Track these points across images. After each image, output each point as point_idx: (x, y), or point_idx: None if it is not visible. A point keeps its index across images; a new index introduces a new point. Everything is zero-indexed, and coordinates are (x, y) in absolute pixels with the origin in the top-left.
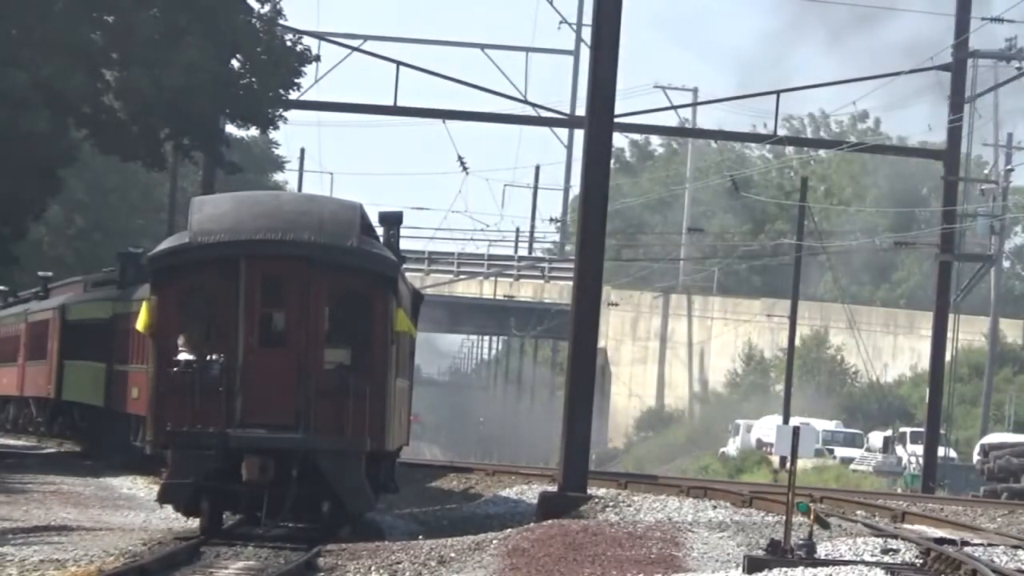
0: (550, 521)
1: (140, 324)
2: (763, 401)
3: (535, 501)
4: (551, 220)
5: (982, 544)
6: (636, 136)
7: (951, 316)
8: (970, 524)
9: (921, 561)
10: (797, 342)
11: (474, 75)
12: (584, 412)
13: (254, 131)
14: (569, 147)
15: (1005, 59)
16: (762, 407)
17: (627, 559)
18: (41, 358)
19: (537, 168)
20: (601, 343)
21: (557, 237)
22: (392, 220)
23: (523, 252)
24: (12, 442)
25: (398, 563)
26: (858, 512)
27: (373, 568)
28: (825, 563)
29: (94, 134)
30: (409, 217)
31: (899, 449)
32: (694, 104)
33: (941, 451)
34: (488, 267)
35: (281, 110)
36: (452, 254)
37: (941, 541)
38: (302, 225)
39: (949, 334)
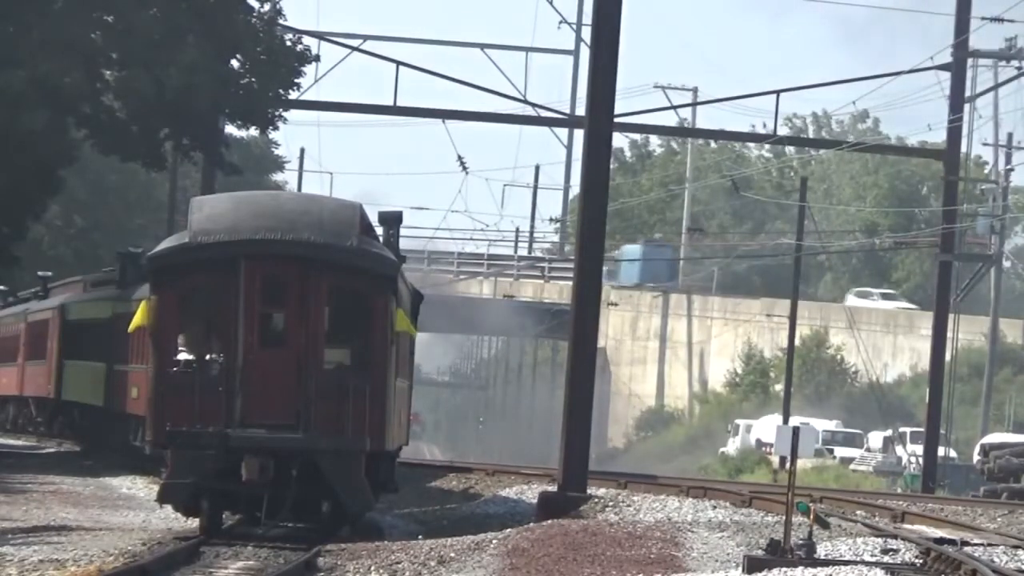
0: (550, 521)
1: (131, 325)
2: (763, 401)
3: (535, 501)
4: (551, 220)
5: (982, 544)
6: (635, 136)
7: (951, 316)
8: (970, 524)
9: (921, 561)
10: (797, 342)
11: (474, 75)
12: (584, 412)
13: (254, 131)
14: (569, 147)
15: (1005, 59)
16: (762, 407)
17: (627, 559)
18: (41, 358)
19: (537, 168)
20: (601, 343)
21: (557, 237)
22: (392, 220)
23: (523, 252)
24: (12, 442)
25: (398, 563)
26: (858, 512)
27: (373, 568)
28: (825, 563)
29: (94, 134)
30: (409, 217)
31: (899, 449)
32: (694, 104)
33: (941, 451)
34: (488, 267)
35: (281, 110)
36: (452, 254)
37: (941, 541)
38: (302, 225)
39: (949, 334)
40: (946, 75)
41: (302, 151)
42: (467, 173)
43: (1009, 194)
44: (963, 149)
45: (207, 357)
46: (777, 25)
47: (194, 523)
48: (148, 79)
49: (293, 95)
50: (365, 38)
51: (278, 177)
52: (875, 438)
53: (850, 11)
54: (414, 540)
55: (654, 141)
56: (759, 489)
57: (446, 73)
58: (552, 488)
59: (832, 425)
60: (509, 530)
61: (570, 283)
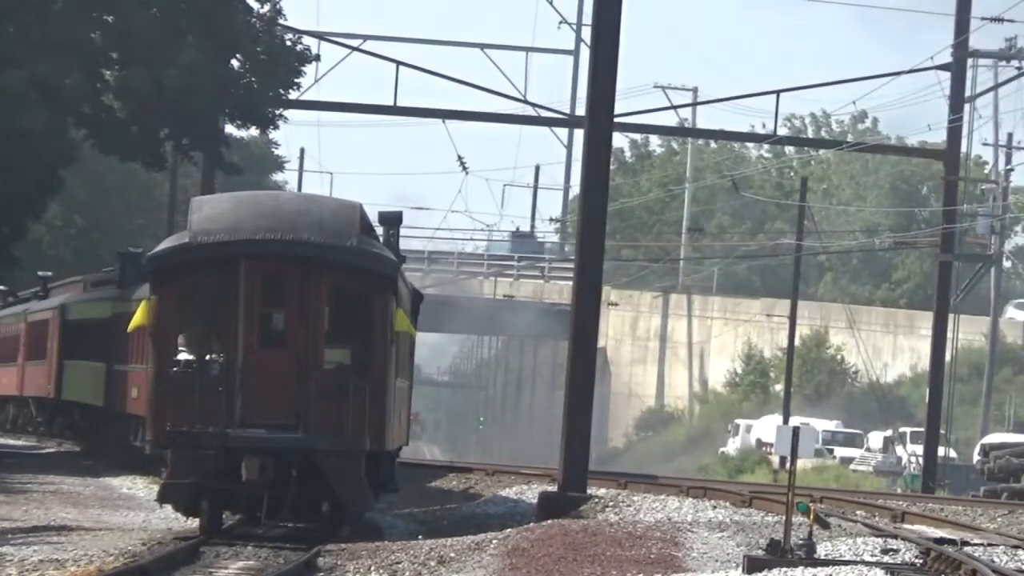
0: (550, 521)
1: (130, 324)
2: (763, 401)
3: (535, 501)
4: (551, 220)
5: (982, 544)
6: (635, 136)
7: (951, 316)
8: (970, 524)
9: (921, 561)
10: (797, 342)
11: (474, 75)
12: (584, 412)
13: (254, 131)
14: (569, 147)
15: (1005, 59)
16: (762, 407)
17: (627, 559)
18: (41, 358)
19: (537, 168)
20: (601, 343)
21: (557, 237)
22: (392, 220)
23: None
24: (12, 442)
25: (398, 563)
26: (858, 512)
27: (373, 568)
28: (825, 563)
29: (94, 134)
30: (409, 217)
31: (899, 449)
32: (694, 104)
33: (941, 451)
34: (488, 267)
35: (281, 110)
36: (452, 254)
37: (941, 541)
38: (302, 225)
39: (949, 334)
40: (946, 75)
41: (302, 151)
42: (467, 173)
43: (1009, 194)
44: (963, 149)
45: (207, 357)
46: (779, 23)
47: (194, 523)
48: (148, 79)
49: (293, 95)
50: (365, 38)
51: (278, 177)
52: (875, 438)
53: (853, 10)
54: (414, 540)
55: (654, 141)
56: (759, 489)
57: (446, 73)
58: (552, 488)
59: (832, 425)
60: (509, 530)
61: (570, 283)
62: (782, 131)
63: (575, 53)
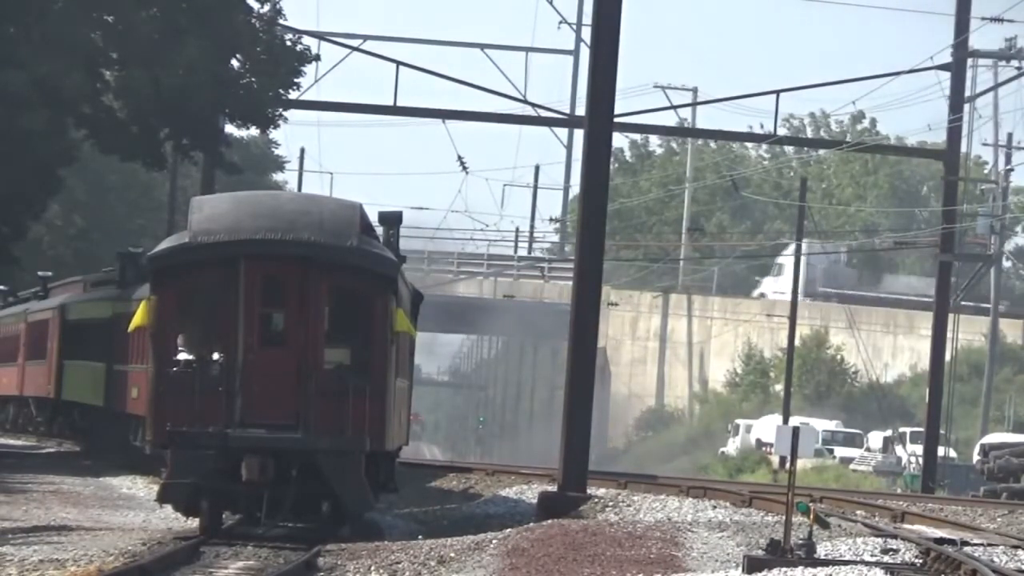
0: (550, 521)
1: (130, 324)
2: (763, 401)
3: (535, 501)
4: (551, 220)
5: (982, 544)
6: (635, 136)
7: (951, 316)
8: (970, 524)
9: (921, 561)
10: (797, 342)
11: (474, 75)
12: (584, 412)
13: (254, 131)
14: (569, 147)
15: (1005, 59)
16: (762, 407)
17: (627, 559)
18: (41, 358)
19: (537, 168)
20: (601, 343)
21: (557, 237)
22: (392, 220)
23: (523, 252)
24: (12, 442)
25: (398, 563)
26: (858, 512)
27: (373, 568)
28: (825, 563)
29: (94, 134)
30: (409, 217)
31: (899, 449)
32: (694, 104)
33: (941, 451)
34: (488, 267)
35: (281, 110)
36: (452, 254)
37: (941, 541)
38: (302, 225)
39: (949, 334)
40: (946, 75)
41: (302, 151)
42: (467, 173)
43: (1009, 194)
44: (963, 149)
45: (207, 357)
46: (779, 23)
47: (194, 523)
48: (148, 79)
49: (293, 95)
50: (365, 38)
51: (278, 177)
52: (875, 438)
53: (853, 9)
54: (414, 540)
55: (654, 141)
56: (759, 489)
57: (446, 73)
58: (552, 488)
59: (832, 425)
60: (509, 530)
61: (570, 283)
62: (781, 131)
63: (575, 53)
